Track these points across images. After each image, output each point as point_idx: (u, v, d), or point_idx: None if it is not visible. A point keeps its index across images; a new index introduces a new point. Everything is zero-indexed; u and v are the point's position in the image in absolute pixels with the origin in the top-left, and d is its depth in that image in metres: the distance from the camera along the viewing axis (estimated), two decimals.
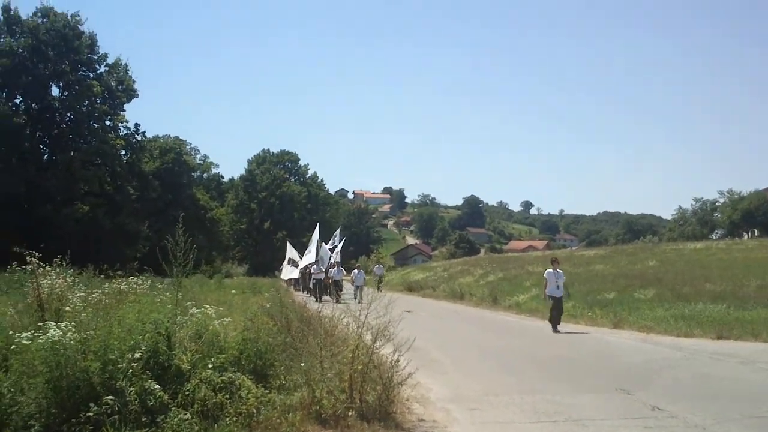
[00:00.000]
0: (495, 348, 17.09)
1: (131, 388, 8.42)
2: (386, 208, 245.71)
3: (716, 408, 9.56)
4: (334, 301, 33.64)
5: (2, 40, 50.04)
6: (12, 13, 50.36)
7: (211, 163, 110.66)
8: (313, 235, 43.65)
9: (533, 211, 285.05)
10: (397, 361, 9.19)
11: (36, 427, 8.09)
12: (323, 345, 9.23)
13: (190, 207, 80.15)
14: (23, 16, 50.84)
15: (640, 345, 16.76)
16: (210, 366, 9.06)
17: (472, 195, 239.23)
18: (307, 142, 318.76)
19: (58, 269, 11.71)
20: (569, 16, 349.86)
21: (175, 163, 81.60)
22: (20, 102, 51.34)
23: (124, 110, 54.89)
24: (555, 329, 19.73)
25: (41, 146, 52.04)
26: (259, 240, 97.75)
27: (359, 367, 8.73)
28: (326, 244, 44.72)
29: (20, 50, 49.53)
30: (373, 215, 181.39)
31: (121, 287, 13.07)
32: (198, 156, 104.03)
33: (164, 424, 8.09)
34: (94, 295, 11.47)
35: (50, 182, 46.26)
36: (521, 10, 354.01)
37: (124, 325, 9.39)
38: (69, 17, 51.94)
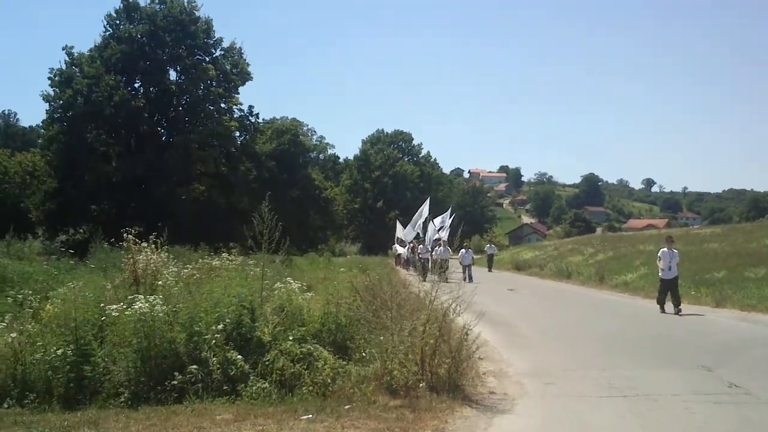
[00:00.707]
0: (588, 325, 17.02)
1: (214, 358, 8.96)
2: (502, 187, 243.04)
3: None
4: (441, 280, 33.50)
5: (122, 26, 51.69)
6: (131, 0, 52.05)
7: (327, 143, 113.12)
8: (420, 209, 43.21)
9: (655, 188, 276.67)
10: (467, 335, 9.41)
11: (125, 394, 8.74)
12: (395, 319, 9.50)
13: (305, 187, 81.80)
14: (141, 3, 52.39)
15: (736, 324, 16.39)
16: (290, 338, 9.50)
17: (590, 173, 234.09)
18: (424, 123, 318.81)
19: (153, 246, 12.37)
20: None
21: (291, 144, 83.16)
22: (139, 86, 52.83)
23: (238, 93, 55.67)
24: (664, 310, 18.76)
25: (159, 129, 53.37)
26: (372, 219, 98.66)
27: (431, 341, 8.98)
28: (434, 221, 44.75)
29: (139, 36, 50.94)
30: (488, 194, 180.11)
31: (213, 263, 13.67)
32: (315, 137, 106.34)
33: (244, 393, 8.60)
34: (185, 271, 12.07)
35: (168, 163, 47.66)
36: None
37: (210, 299, 9.92)
38: (185, 3, 53.10)
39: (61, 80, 49.11)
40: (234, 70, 54.49)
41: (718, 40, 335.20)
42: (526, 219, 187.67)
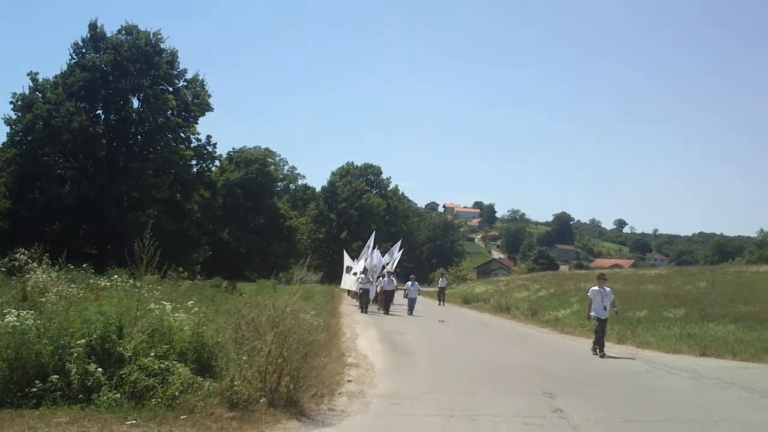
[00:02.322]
0: (483, 357, 17.72)
1: (74, 369, 9.65)
2: (475, 222, 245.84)
3: (612, 413, 10.23)
4: (382, 312, 33.97)
5: (87, 55, 52.74)
6: (98, 30, 53.03)
7: (299, 174, 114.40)
8: (367, 242, 43.27)
9: (626, 229, 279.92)
10: (306, 354, 10.16)
11: None
12: (240, 340, 10.25)
13: (270, 215, 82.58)
14: (108, 34, 53.55)
15: (617, 360, 17.11)
16: (152, 354, 10.19)
17: (562, 211, 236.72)
18: (402, 157, 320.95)
19: (44, 266, 13.09)
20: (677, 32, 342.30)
21: (258, 173, 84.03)
22: (100, 113, 53.72)
23: (198, 123, 56.94)
24: (597, 352, 17.80)
25: (117, 155, 53.74)
26: (335, 249, 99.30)
27: (278, 360, 9.74)
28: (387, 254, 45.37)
29: (103, 65, 52.01)
30: (461, 228, 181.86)
31: (102, 283, 14.36)
32: (286, 167, 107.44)
33: (97, 401, 9.29)
34: (70, 290, 12.76)
35: (121, 189, 48.34)
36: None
37: (82, 316, 10.63)
38: (151, 35, 54.39)
39: (23, 104, 50.13)
40: (194, 101, 55.66)
41: (686, 88, 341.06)
42: (496, 254, 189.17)
